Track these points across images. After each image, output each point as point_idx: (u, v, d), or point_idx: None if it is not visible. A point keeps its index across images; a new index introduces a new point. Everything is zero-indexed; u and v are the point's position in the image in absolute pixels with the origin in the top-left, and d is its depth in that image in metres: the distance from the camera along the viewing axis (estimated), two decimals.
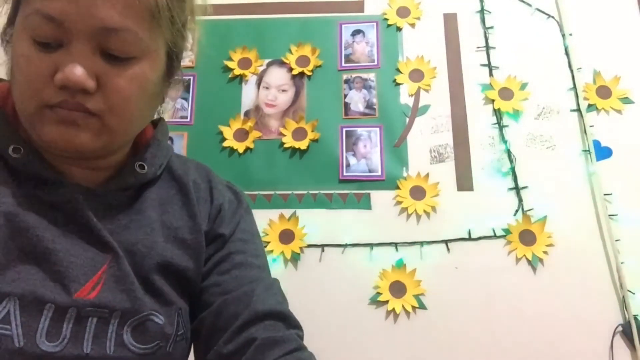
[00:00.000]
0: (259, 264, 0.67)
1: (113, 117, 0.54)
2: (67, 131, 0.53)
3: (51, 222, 0.54)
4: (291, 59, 1.57)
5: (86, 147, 0.54)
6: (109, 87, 0.53)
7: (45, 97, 0.52)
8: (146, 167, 0.62)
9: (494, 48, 1.55)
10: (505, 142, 1.46)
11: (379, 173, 1.45)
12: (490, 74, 1.53)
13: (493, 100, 1.50)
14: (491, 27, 1.58)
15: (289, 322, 0.65)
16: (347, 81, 1.55)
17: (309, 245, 1.40)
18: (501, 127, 1.48)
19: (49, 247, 0.52)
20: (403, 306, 1.34)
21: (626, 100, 1.49)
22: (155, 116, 0.68)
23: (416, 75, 1.54)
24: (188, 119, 1.53)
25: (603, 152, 1.44)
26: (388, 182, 1.45)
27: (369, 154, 1.47)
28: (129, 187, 0.61)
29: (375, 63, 1.56)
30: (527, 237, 1.38)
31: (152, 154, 0.64)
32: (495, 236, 1.39)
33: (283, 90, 1.55)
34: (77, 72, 0.51)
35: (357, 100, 1.53)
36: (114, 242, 0.56)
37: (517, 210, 1.41)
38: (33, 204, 0.54)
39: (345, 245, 1.40)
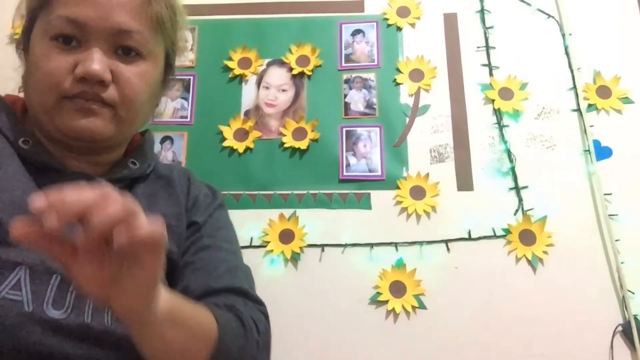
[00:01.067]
0: (229, 248, 0.75)
1: (124, 108, 0.63)
2: (85, 119, 0.60)
3: None
4: (291, 59, 1.57)
5: (100, 134, 0.62)
6: (122, 80, 0.62)
7: (65, 89, 0.60)
8: (137, 164, 0.71)
9: (494, 48, 1.55)
10: (505, 142, 1.46)
11: (379, 173, 1.45)
12: (490, 74, 1.53)
13: (493, 100, 1.50)
14: (491, 27, 1.58)
15: (248, 297, 0.70)
16: (347, 81, 1.55)
17: (309, 245, 1.40)
18: (501, 127, 1.48)
19: None
20: (403, 306, 1.34)
21: (626, 100, 1.49)
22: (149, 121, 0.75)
23: (416, 75, 1.54)
24: (188, 119, 1.53)
25: (603, 152, 1.44)
26: (388, 182, 1.45)
27: (369, 153, 1.47)
28: (122, 178, 0.68)
29: (375, 63, 1.56)
30: (527, 237, 1.38)
31: (142, 153, 0.73)
32: (495, 236, 1.39)
33: (283, 90, 1.55)
34: (96, 65, 0.59)
35: (357, 100, 1.53)
36: None
37: (517, 210, 1.41)
38: (39, 189, 0.60)
39: (345, 245, 1.40)
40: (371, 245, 1.39)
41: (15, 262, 0.54)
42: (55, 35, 0.60)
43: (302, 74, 1.56)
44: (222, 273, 0.67)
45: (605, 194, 1.39)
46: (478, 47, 1.56)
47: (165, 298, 0.49)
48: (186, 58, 1.59)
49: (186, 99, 1.55)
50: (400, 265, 1.37)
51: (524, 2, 1.60)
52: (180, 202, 0.74)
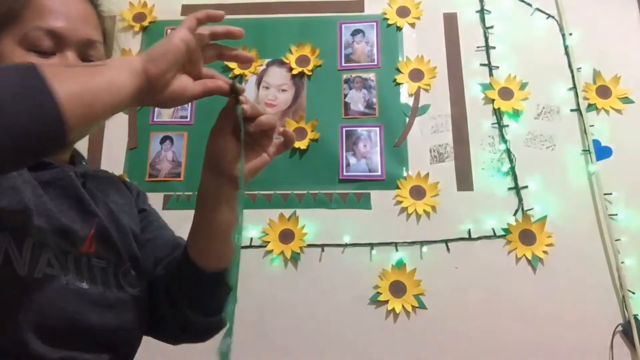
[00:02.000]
0: (170, 229, 0.87)
1: None
2: None
3: (47, 196, 0.65)
4: (291, 59, 1.57)
5: None
6: None
7: None
8: (87, 164, 0.81)
9: (494, 48, 1.55)
10: (505, 141, 1.46)
11: (379, 173, 1.45)
12: (490, 74, 1.53)
13: (493, 100, 1.50)
14: (491, 27, 1.58)
15: None
16: (347, 81, 1.55)
17: (309, 245, 1.40)
18: (501, 127, 1.48)
19: (55, 215, 0.63)
20: (403, 306, 1.34)
21: (626, 100, 1.49)
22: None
23: (416, 75, 1.54)
24: (188, 119, 1.53)
25: (603, 152, 1.44)
26: (388, 182, 1.45)
27: (369, 153, 1.47)
28: (83, 173, 0.75)
29: (375, 63, 1.56)
30: (527, 237, 1.38)
31: (82, 157, 0.82)
32: (495, 236, 1.39)
33: (283, 90, 1.55)
34: None
35: (357, 100, 1.52)
36: (97, 209, 0.70)
37: (517, 210, 1.41)
38: (32, 182, 0.66)
39: (345, 245, 1.40)
40: (371, 245, 1.39)
41: (43, 244, 0.60)
42: (32, 47, 0.67)
43: (302, 73, 1.55)
44: (180, 240, 0.79)
45: (605, 194, 1.39)
46: (478, 47, 1.56)
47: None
48: None
49: None
50: (400, 265, 1.37)
51: (524, 2, 1.60)
52: (127, 194, 0.84)
